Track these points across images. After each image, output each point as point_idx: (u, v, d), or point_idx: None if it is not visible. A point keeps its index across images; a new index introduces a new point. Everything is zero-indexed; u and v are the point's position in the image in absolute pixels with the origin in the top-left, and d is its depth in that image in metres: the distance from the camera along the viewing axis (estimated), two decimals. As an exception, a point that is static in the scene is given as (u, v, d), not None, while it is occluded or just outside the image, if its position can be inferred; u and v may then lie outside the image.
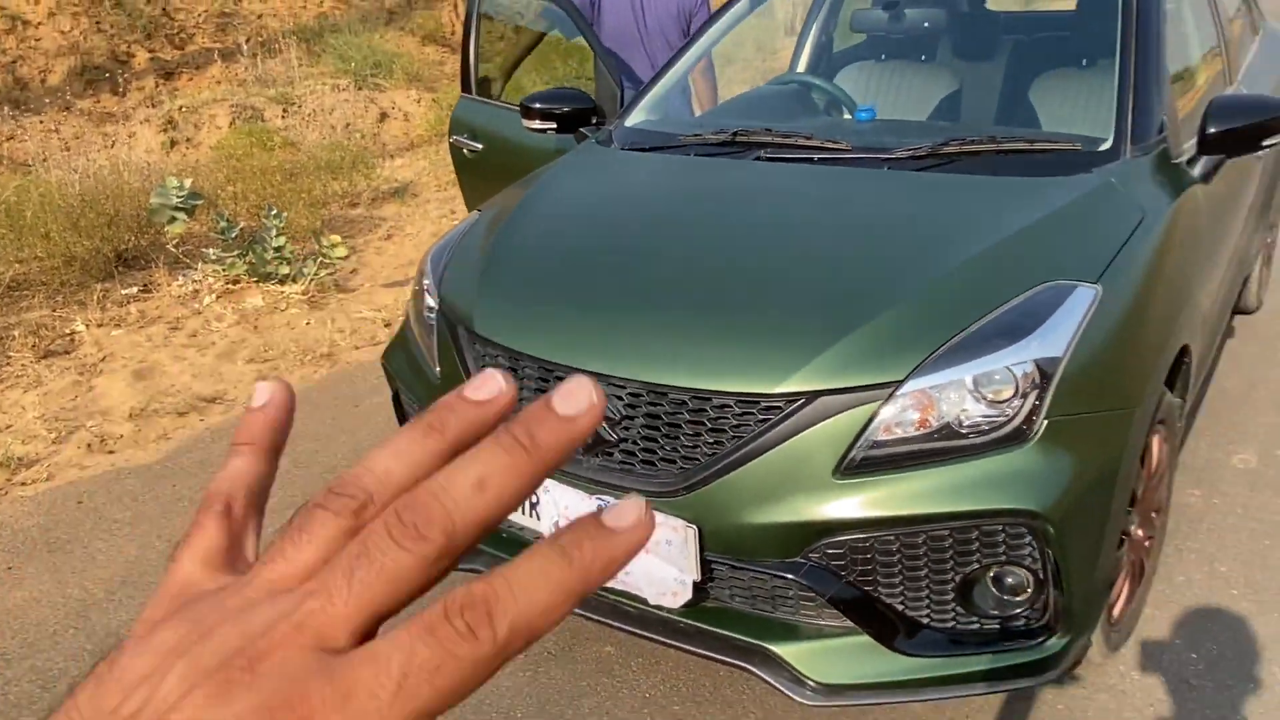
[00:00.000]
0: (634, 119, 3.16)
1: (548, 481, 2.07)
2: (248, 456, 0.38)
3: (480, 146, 4.00)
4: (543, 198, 2.74)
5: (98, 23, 8.90)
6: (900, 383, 1.90)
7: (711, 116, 3.59)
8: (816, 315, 2.02)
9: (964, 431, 1.90)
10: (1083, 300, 1.99)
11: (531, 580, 0.30)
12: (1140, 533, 2.37)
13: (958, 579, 1.93)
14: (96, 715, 0.30)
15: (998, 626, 1.98)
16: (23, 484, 3.47)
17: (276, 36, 9.29)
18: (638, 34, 4.17)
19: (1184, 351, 2.39)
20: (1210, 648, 2.43)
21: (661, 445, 2.01)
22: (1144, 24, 2.70)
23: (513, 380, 0.34)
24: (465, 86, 4.20)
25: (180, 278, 5.17)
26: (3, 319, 4.71)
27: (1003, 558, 1.91)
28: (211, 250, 5.22)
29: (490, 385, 0.33)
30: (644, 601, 2.10)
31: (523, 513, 2.19)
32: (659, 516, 1.98)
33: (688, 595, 2.02)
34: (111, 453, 3.67)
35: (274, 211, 5.12)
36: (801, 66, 3.98)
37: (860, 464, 1.89)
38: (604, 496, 2.04)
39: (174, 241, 5.39)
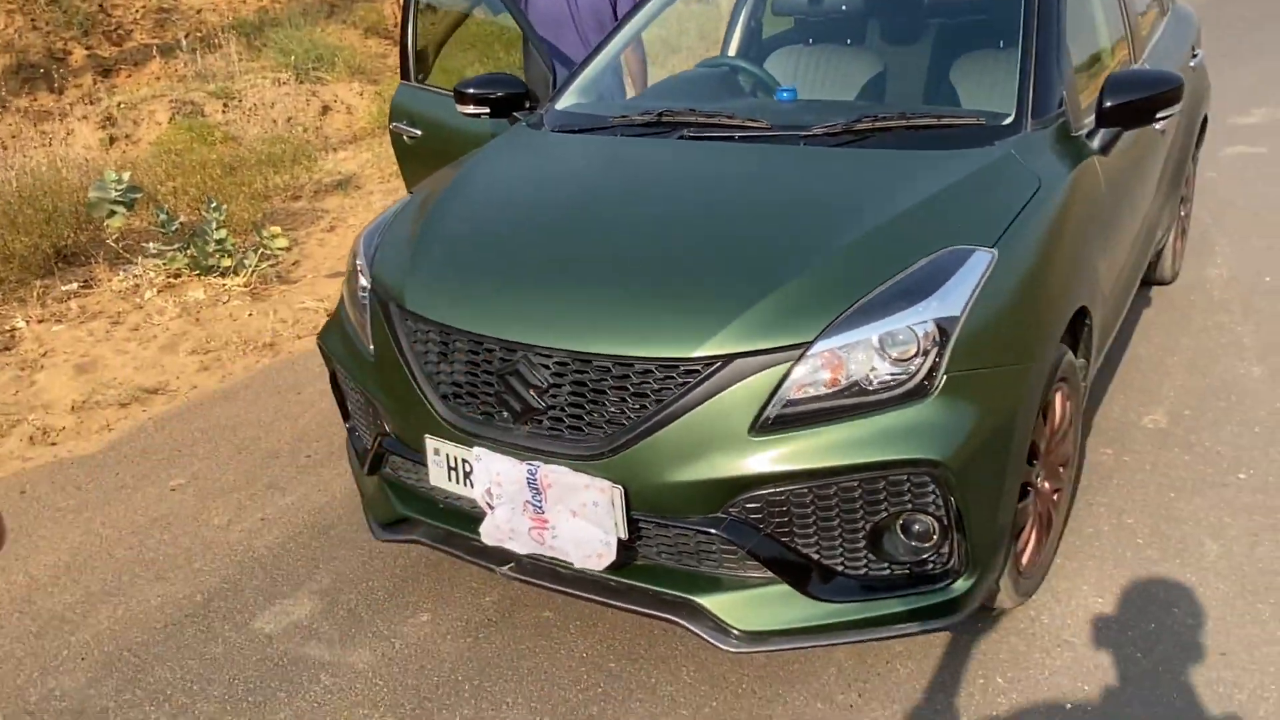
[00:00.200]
0: (564, 102, 3.24)
1: (479, 449, 2.17)
2: None
3: (419, 133, 4.06)
4: (472, 179, 2.82)
5: (33, 20, 8.77)
6: (810, 344, 2.00)
7: (640, 99, 3.68)
8: (731, 283, 2.12)
9: (872, 389, 2.01)
10: (980, 263, 2.12)
11: None
12: (1047, 485, 2.50)
13: (868, 527, 2.04)
14: None
15: (908, 572, 2.10)
16: (-36, 477, 3.48)
17: (216, 31, 9.21)
18: (569, 13, 4.24)
19: (1083, 313, 2.53)
20: (1115, 592, 2.57)
21: (587, 411, 2.10)
22: (1045, 6, 2.84)
23: None
24: (404, 74, 4.26)
25: (121, 273, 5.16)
26: (-61, 317, 4.68)
27: (909, 506, 2.03)
28: (152, 244, 5.21)
29: None
30: (570, 566, 2.19)
31: (456, 481, 2.27)
32: (585, 479, 2.08)
33: (611, 557, 2.12)
34: (54, 444, 3.68)
35: (214, 204, 5.13)
36: (732, 51, 4.08)
37: (774, 422, 2.00)
38: (534, 462, 2.13)
39: (114, 236, 5.37)
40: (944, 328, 2.02)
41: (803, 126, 2.71)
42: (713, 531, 2.06)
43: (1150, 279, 4.34)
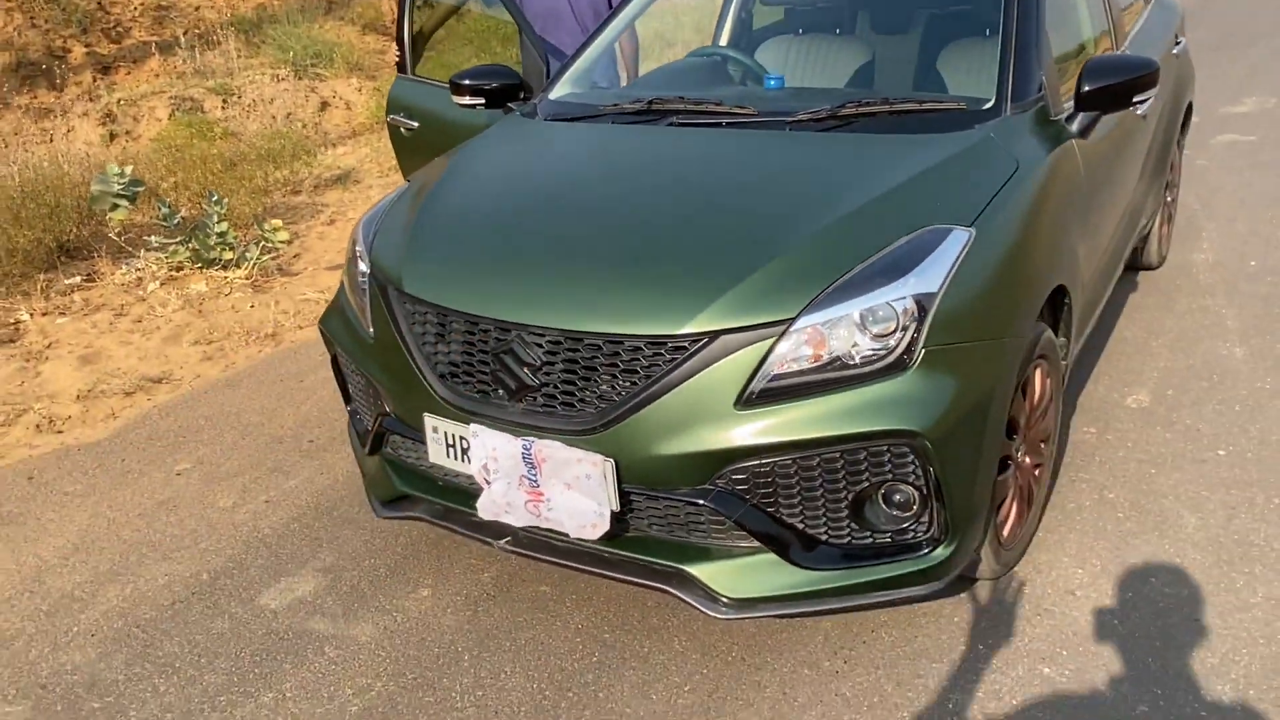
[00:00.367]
0: (557, 92, 3.31)
1: (475, 426, 2.25)
2: None
3: (416, 125, 4.14)
4: (467, 166, 2.89)
5: (32, 18, 8.84)
6: (793, 320, 2.08)
7: (631, 88, 3.75)
8: (717, 262, 2.20)
9: (853, 363, 2.08)
10: (957, 241, 2.19)
11: None
12: (1028, 460, 2.58)
13: (850, 497, 2.12)
14: None
15: (889, 540, 2.18)
16: (-27, 465, 3.55)
17: (215, 28, 9.28)
18: (567, 4, 4.31)
19: (1062, 292, 2.60)
20: (1094, 564, 2.65)
21: (579, 387, 2.18)
22: (1026, -7, 2.91)
23: None
24: (401, 67, 4.33)
25: (123, 266, 5.23)
26: (-54, 310, 4.75)
27: (889, 476, 2.11)
28: (154, 238, 5.28)
29: None
30: (566, 536, 2.27)
31: (454, 458, 2.35)
32: (578, 453, 2.15)
33: (605, 527, 2.19)
34: (60, 432, 3.76)
35: (215, 198, 5.20)
36: (723, 42, 4.15)
37: (759, 395, 2.07)
38: (528, 438, 2.20)
39: (116, 230, 5.44)
40: (922, 304, 2.09)
41: (788, 113, 2.79)
42: (701, 503, 2.13)
43: (1137, 264, 4.42)
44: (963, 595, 2.54)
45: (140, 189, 5.46)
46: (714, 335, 2.09)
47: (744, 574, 2.18)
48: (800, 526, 2.15)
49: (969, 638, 2.42)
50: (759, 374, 2.07)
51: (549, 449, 2.17)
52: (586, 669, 2.40)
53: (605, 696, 2.32)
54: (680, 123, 2.88)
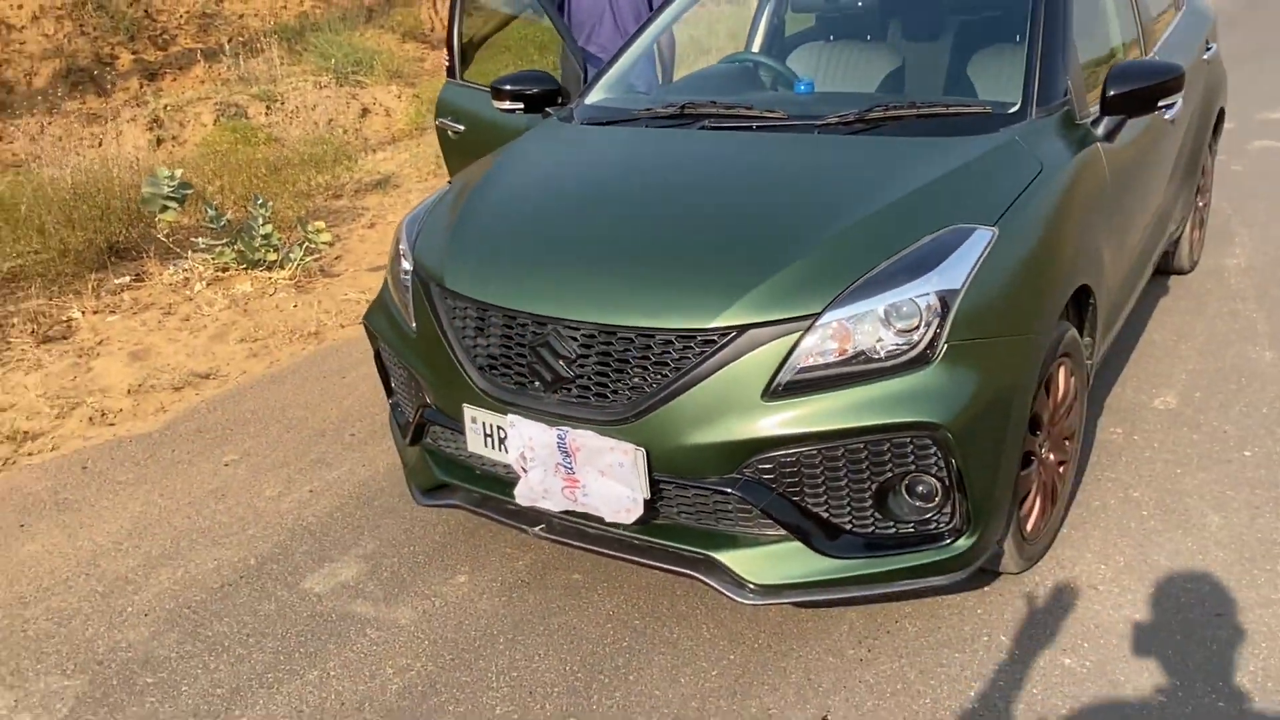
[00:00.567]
0: (593, 97, 3.41)
1: (512, 416, 2.34)
2: None
3: (462, 128, 4.27)
4: (506, 167, 2.99)
5: (81, 26, 9.10)
6: (819, 315, 2.15)
7: (664, 92, 3.85)
8: (745, 259, 2.28)
9: (878, 357, 2.15)
10: (980, 240, 2.25)
11: None
12: (1052, 457, 2.63)
13: (874, 488, 2.19)
14: None
15: (912, 530, 2.24)
16: (29, 454, 3.70)
17: (258, 36, 9.50)
18: (608, 5, 4.43)
19: (1085, 292, 2.65)
20: (1118, 560, 2.69)
21: (612, 379, 2.26)
22: (1052, 1, 2.96)
23: None
24: (450, 72, 4.47)
25: (171, 266, 5.40)
26: (1, 308, 4.93)
27: (912, 467, 2.17)
28: (201, 240, 5.45)
29: None
30: (601, 521, 2.35)
31: (492, 447, 2.44)
32: (611, 442, 2.24)
33: (639, 511, 2.28)
34: (112, 425, 3.90)
35: (261, 201, 5.36)
36: (755, 48, 4.23)
37: (786, 388, 2.15)
38: (563, 427, 2.29)
39: (164, 232, 5.61)
40: (945, 300, 2.16)
41: (817, 116, 2.86)
42: (728, 491, 2.21)
43: (1168, 268, 4.43)
44: (986, 588, 2.60)
45: (189, 191, 5.63)
46: (742, 329, 2.16)
47: (770, 561, 2.26)
48: (825, 516, 2.22)
49: (991, 629, 2.47)
50: (785, 367, 2.15)
51: (583, 438, 2.26)
52: (617, 653, 2.48)
53: (635, 680, 2.40)
54: (712, 126, 2.96)
